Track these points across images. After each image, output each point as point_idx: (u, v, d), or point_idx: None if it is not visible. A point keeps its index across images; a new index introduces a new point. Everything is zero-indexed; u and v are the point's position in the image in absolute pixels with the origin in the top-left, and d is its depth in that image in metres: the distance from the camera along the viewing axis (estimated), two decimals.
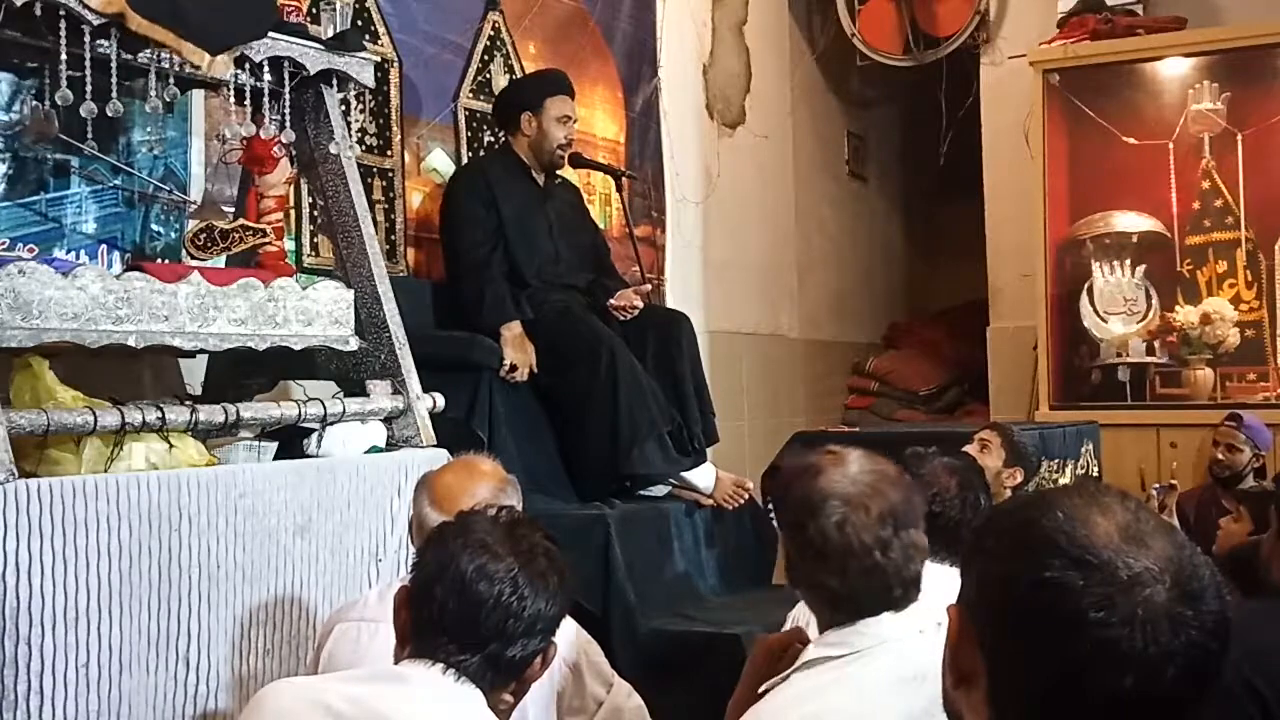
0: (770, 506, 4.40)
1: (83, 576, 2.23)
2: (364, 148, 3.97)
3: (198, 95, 3.06)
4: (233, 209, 3.17)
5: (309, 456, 2.82)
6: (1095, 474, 5.00)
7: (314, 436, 2.85)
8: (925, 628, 1.66)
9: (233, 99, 2.85)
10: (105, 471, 2.37)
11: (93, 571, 2.24)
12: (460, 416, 3.50)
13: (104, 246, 2.86)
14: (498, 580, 1.64)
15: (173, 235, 3.02)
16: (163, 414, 2.46)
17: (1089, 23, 5.88)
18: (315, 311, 2.89)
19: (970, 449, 3.63)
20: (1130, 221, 5.82)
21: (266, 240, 2.91)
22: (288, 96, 2.86)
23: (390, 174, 4.12)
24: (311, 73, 2.96)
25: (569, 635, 2.24)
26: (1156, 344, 5.78)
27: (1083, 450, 4.92)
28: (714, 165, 5.87)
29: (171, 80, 2.65)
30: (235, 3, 2.75)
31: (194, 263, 2.79)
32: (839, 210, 7.26)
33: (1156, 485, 4.71)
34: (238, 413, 2.62)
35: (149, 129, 2.95)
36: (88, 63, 2.47)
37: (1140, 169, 5.79)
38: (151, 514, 2.34)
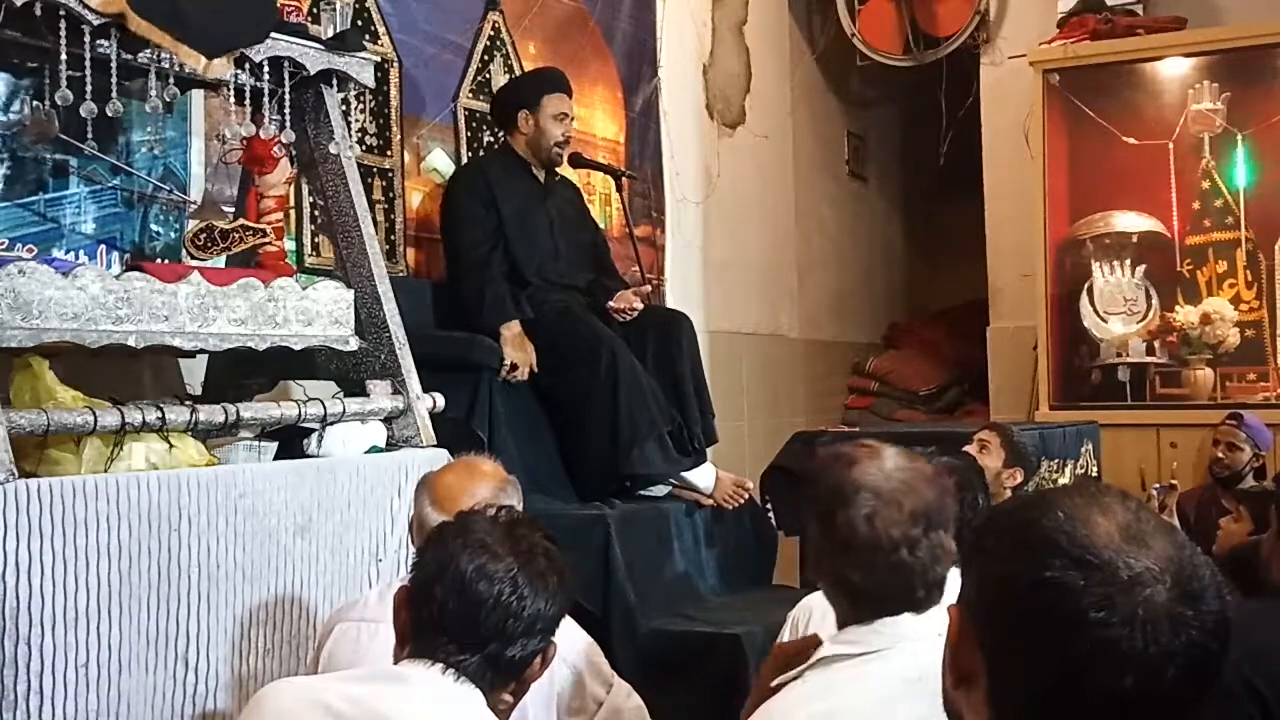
0: (769, 506, 4.41)
1: (83, 576, 2.23)
2: (364, 148, 3.97)
3: (197, 95, 3.06)
4: (233, 209, 3.16)
5: (309, 456, 2.82)
6: (1095, 474, 5.00)
7: (314, 436, 2.85)
8: (945, 631, 1.62)
9: (233, 99, 2.85)
10: (105, 471, 2.37)
11: (93, 571, 2.24)
12: (460, 416, 3.50)
13: (103, 247, 2.85)
14: (497, 580, 1.64)
15: (172, 235, 3.02)
16: (163, 414, 2.46)
17: (1089, 23, 5.88)
18: (315, 311, 2.89)
19: (969, 449, 3.63)
20: (1130, 221, 5.82)
21: (266, 240, 2.91)
22: (288, 96, 2.86)
23: (390, 174, 4.12)
24: (311, 73, 2.96)
25: (569, 635, 2.24)
26: (1156, 344, 5.78)
27: (1082, 450, 4.92)
28: (714, 165, 5.87)
29: (171, 80, 2.65)
30: (235, 5, 2.75)
31: (194, 263, 2.79)
32: (839, 210, 7.26)
33: (1156, 485, 4.71)
34: (238, 413, 2.62)
35: (149, 129, 2.95)
36: (88, 63, 2.47)
37: (1140, 169, 5.79)
38: (151, 514, 2.34)
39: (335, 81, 3.08)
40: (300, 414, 2.76)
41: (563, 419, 3.87)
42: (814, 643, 1.76)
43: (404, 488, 2.79)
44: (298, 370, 3.07)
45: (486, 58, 4.54)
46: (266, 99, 2.85)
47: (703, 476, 3.94)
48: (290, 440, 2.84)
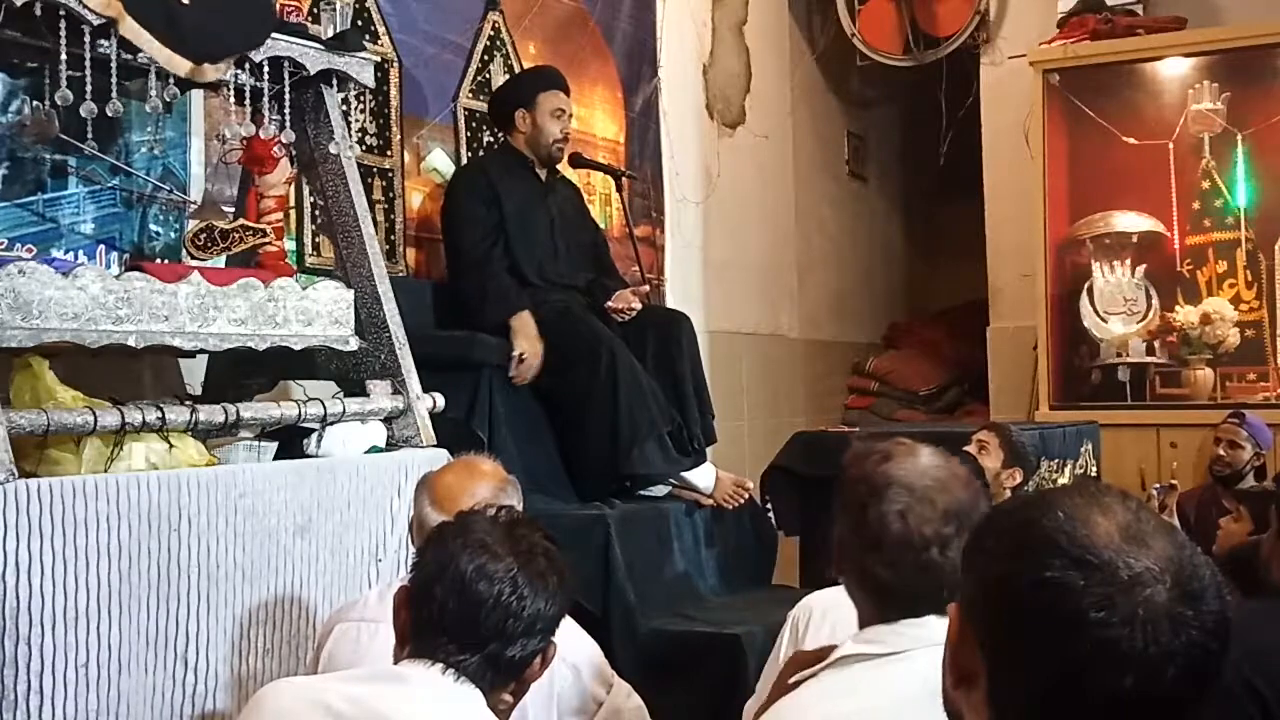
0: (769, 506, 4.41)
1: (83, 576, 2.23)
2: (364, 148, 3.97)
3: (197, 95, 3.06)
4: (233, 209, 3.16)
5: (309, 456, 2.82)
6: (1094, 474, 5.00)
7: (314, 436, 2.85)
8: None
9: (233, 99, 2.85)
10: (105, 471, 2.37)
11: (93, 571, 2.24)
12: (460, 416, 3.50)
13: (102, 247, 2.85)
14: (497, 580, 1.64)
15: (172, 235, 3.02)
16: (163, 414, 2.46)
17: (1089, 23, 5.88)
18: (315, 311, 2.89)
19: (969, 450, 3.63)
20: (1130, 221, 5.82)
21: (266, 240, 2.91)
22: (288, 96, 2.86)
23: (390, 174, 4.12)
24: (311, 73, 2.96)
25: (569, 635, 2.24)
26: (1156, 344, 5.78)
27: (1082, 450, 4.92)
28: (714, 165, 5.87)
29: (171, 80, 2.65)
30: (232, 11, 2.74)
31: (194, 263, 2.79)
32: (839, 210, 7.26)
33: (1157, 485, 4.71)
34: (238, 413, 2.62)
35: (148, 129, 2.95)
36: (88, 63, 2.47)
37: (1140, 169, 5.79)
38: (151, 514, 2.34)
39: (335, 81, 3.08)
40: (300, 414, 2.76)
41: (563, 419, 3.87)
42: (830, 650, 1.72)
43: (404, 488, 2.79)
44: (298, 370, 3.07)
45: (486, 58, 4.54)
46: (266, 99, 2.85)
47: (703, 476, 3.94)
48: (290, 440, 2.84)
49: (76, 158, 2.79)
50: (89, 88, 2.47)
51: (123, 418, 2.39)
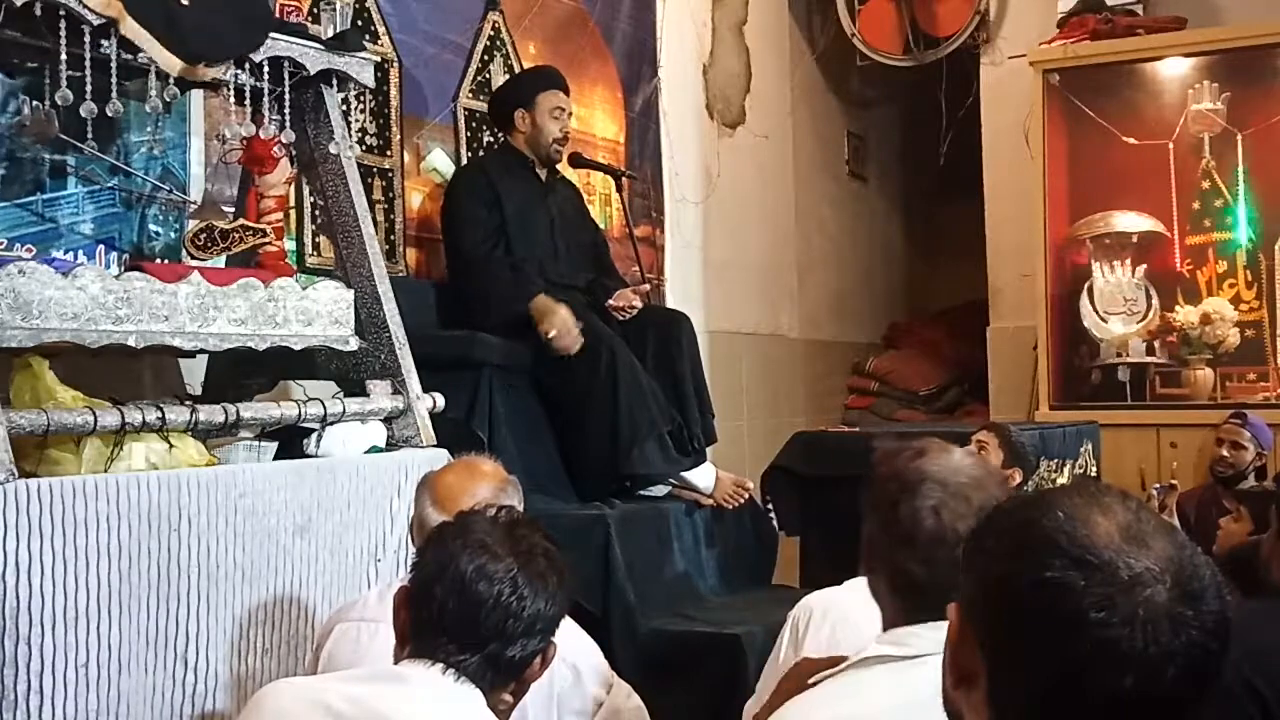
0: (770, 506, 4.41)
1: (83, 576, 2.23)
2: (364, 148, 3.97)
3: (197, 95, 3.06)
4: (233, 209, 3.16)
5: (309, 456, 2.82)
6: (1093, 474, 4.99)
7: (314, 436, 2.85)
8: None
9: (233, 99, 2.85)
10: (105, 471, 2.37)
11: (93, 571, 2.24)
12: (460, 416, 3.50)
13: (101, 247, 2.85)
14: (497, 580, 1.64)
15: (172, 235, 3.02)
16: (163, 414, 2.46)
17: (1089, 23, 5.88)
18: (315, 311, 2.88)
19: (968, 450, 3.63)
20: (1130, 221, 5.82)
21: (266, 240, 2.91)
22: (288, 96, 2.86)
23: (390, 174, 4.12)
24: (311, 73, 2.96)
25: (569, 635, 2.24)
26: (1156, 344, 5.77)
27: (1081, 450, 4.92)
28: (714, 165, 5.87)
29: (171, 80, 2.65)
30: (232, 11, 2.74)
31: (194, 263, 2.79)
32: (839, 210, 7.26)
33: (1157, 485, 4.71)
34: (238, 413, 2.62)
35: (148, 129, 2.95)
36: (88, 63, 2.47)
37: (1140, 169, 5.79)
38: (151, 514, 2.33)
39: (335, 81, 3.07)
40: (300, 414, 2.76)
41: (563, 419, 3.87)
42: (840, 661, 1.70)
43: (404, 488, 2.79)
44: (298, 370, 3.07)
45: (486, 58, 4.54)
46: (266, 99, 2.85)
47: (703, 476, 3.94)
48: (290, 440, 2.84)
49: (76, 158, 2.79)
50: (89, 88, 2.47)
51: (123, 418, 2.39)
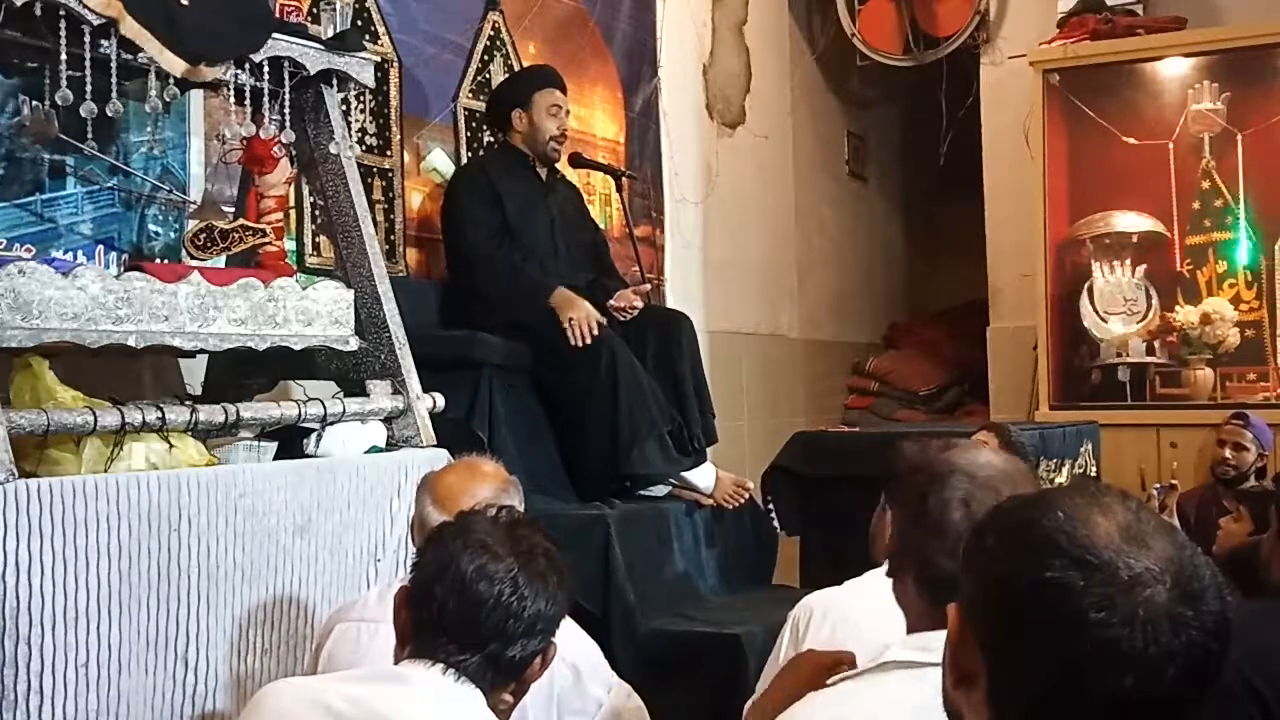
0: (770, 506, 4.41)
1: (83, 576, 2.23)
2: (364, 148, 3.97)
3: (197, 95, 3.06)
4: (233, 209, 3.16)
5: (309, 456, 2.82)
6: (1093, 474, 4.99)
7: (314, 436, 2.85)
8: None
9: (232, 99, 2.85)
10: (105, 471, 2.37)
11: (93, 571, 2.24)
12: (460, 416, 3.50)
13: (101, 247, 2.85)
14: (498, 580, 1.64)
15: (172, 235, 3.02)
16: (163, 414, 2.46)
17: (1089, 23, 5.88)
18: (315, 311, 2.88)
19: None
20: (1130, 221, 5.82)
21: (266, 240, 2.91)
22: (288, 96, 2.86)
23: (390, 174, 4.12)
24: (311, 73, 2.96)
25: (569, 636, 2.24)
26: (1156, 344, 5.77)
27: (1081, 450, 4.92)
28: (714, 165, 5.87)
29: (171, 80, 2.65)
30: (232, 11, 2.74)
31: (194, 263, 2.79)
32: (839, 210, 7.26)
33: (1157, 485, 4.71)
34: (238, 413, 2.62)
35: (147, 129, 2.95)
36: (88, 63, 2.47)
37: (1140, 169, 5.79)
38: (151, 514, 2.33)
39: (335, 81, 3.07)
40: (300, 414, 2.76)
41: (563, 419, 3.87)
42: (847, 659, 1.69)
43: (404, 488, 2.79)
44: (298, 370, 3.07)
45: (486, 58, 4.54)
46: (266, 99, 2.85)
47: (703, 476, 3.94)
48: (290, 440, 2.84)
49: (76, 158, 2.79)
50: (89, 88, 2.47)
51: (123, 418, 2.39)
